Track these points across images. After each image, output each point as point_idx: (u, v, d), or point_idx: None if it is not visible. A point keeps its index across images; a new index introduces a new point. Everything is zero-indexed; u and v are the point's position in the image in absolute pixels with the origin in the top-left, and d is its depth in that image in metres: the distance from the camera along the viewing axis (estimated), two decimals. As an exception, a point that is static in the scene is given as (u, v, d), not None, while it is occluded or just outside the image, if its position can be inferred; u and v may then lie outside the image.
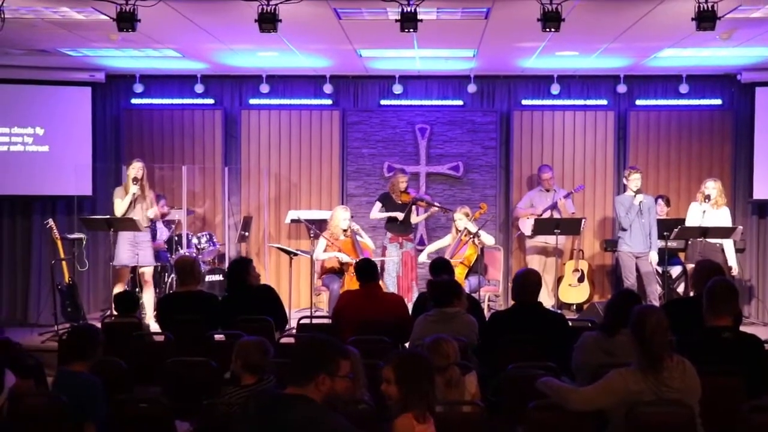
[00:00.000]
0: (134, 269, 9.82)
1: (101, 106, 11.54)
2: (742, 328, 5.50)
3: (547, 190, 10.82)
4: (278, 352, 6.31)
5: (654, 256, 9.82)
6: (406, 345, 6.73)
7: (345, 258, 9.77)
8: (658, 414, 4.30)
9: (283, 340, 6.94)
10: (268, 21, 7.22)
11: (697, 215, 9.85)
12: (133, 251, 9.52)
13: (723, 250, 9.85)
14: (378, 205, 10.47)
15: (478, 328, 6.26)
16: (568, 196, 10.80)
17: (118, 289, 9.33)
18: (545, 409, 4.50)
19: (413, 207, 10.46)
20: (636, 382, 4.30)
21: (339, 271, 9.88)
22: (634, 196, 9.73)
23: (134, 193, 9.48)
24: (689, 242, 9.72)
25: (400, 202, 10.32)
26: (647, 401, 4.29)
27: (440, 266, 7.50)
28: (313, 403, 3.53)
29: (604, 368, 4.65)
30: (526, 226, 10.71)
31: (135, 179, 9.49)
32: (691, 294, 7.41)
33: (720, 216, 9.85)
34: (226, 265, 10.87)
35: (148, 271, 9.73)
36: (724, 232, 9.61)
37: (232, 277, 7.55)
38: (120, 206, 9.52)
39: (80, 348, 5.16)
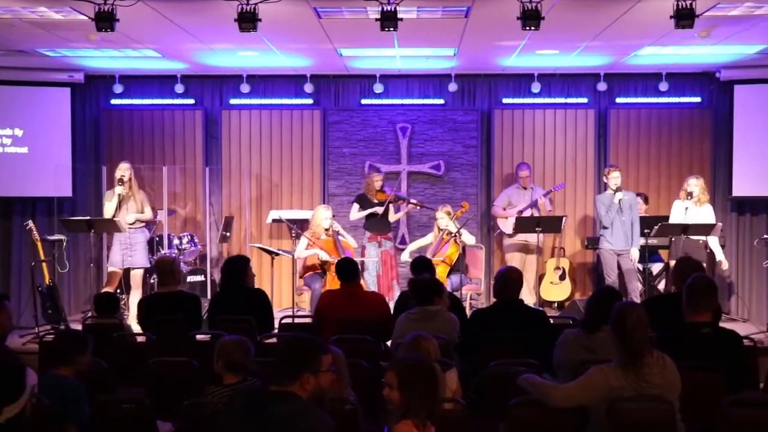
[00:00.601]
0: (127, 271, 9.77)
1: (80, 106, 11.48)
2: (722, 325, 5.54)
3: (524, 188, 10.84)
4: (260, 352, 6.34)
5: (635, 253, 9.87)
6: (388, 344, 6.74)
7: (325, 256, 9.76)
8: (638, 410, 4.33)
9: (266, 341, 6.92)
10: (247, 20, 7.22)
11: (679, 212, 9.90)
12: (126, 253, 9.51)
13: (706, 247, 9.91)
14: (356, 206, 10.46)
15: (459, 326, 6.28)
16: (548, 195, 10.82)
17: (107, 291, 9.28)
18: (526, 405, 4.51)
19: (390, 205, 10.45)
20: (616, 378, 4.33)
21: (321, 270, 9.88)
22: (614, 194, 9.77)
23: (120, 194, 9.46)
24: (672, 239, 9.76)
25: (376, 201, 10.31)
26: (628, 397, 4.31)
27: (421, 265, 7.52)
28: (300, 399, 3.57)
29: (585, 365, 4.66)
30: (506, 224, 10.74)
31: (120, 180, 9.47)
32: (672, 290, 7.44)
33: (703, 213, 9.90)
34: (208, 265, 10.86)
35: (138, 273, 9.69)
36: (704, 229, 9.65)
37: (228, 275, 7.44)
38: (107, 208, 9.49)
39: (65, 352, 5.09)
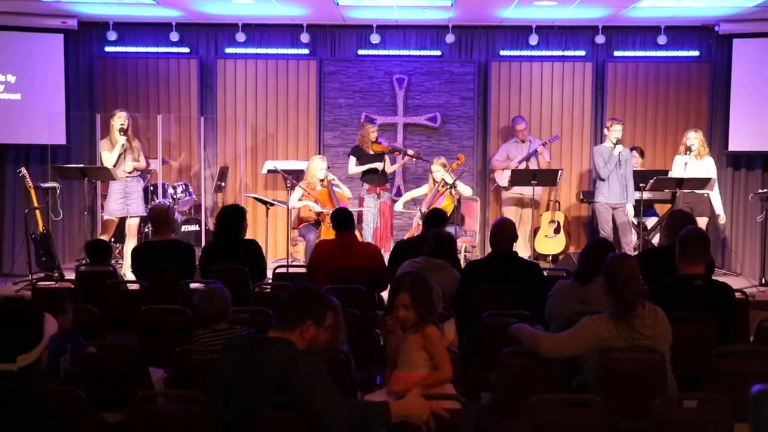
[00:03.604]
0: (122, 220, 9.75)
1: (74, 53, 11.36)
2: (714, 278, 5.54)
3: (522, 141, 10.79)
4: (254, 301, 6.35)
5: (630, 208, 9.85)
6: (384, 295, 6.73)
7: (317, 208, 9.74)
8: (629, 360, 4.35)
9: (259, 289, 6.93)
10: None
11: (679, 168, 9.87)
12: (125, 202, 9.48)
13: (710, 201, 9.93)
14: (353, 159, 10.38)
15: (459, 284, 6.23)
16: (544, 146, 10.77)
17: (100, 238, 9.26)
18: (518, 355, 4.52)
19: (386, 156, 10.39)
20: (608, 329, 4.33)
21: (316, 221, 9.86)
22: (613, 146, 9.73)
23: (123, 145, 9.40)
24: (677, 193, 9.70)
25: (371, 152, 10.24)
26: (619, 348, 4.32)
27: (434, 218, 7.49)
28: (295, 346, 3.57)
29: (577, 316, 4.67)
30: (503, 178, 10.71)
31: (122, 130, 9.39)
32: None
33: (703, 166, 9.87)
34: (203, 215, 10.84)
35: (134, 222, 9.68)
36: (698, 183, 9.64)
37: (223, 224, 7.30)
38: (109, 158, 9.41)
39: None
